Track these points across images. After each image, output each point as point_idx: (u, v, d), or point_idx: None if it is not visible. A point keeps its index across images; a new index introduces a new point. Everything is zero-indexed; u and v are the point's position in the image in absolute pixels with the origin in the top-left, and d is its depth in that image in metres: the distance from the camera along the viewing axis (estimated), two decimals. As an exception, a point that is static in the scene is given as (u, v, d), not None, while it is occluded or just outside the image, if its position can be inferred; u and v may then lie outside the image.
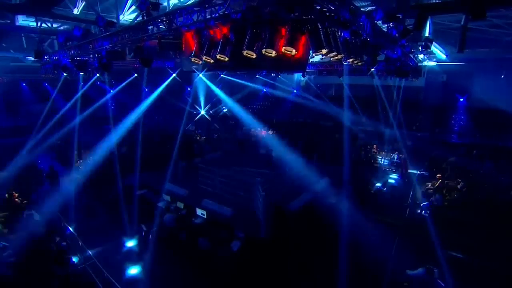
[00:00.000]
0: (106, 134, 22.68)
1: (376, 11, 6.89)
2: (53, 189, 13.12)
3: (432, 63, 18.35)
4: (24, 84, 23.40)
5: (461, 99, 18.27)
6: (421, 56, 15.20)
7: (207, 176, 11.32)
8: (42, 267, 7.27)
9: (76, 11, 13.88)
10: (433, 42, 12.78)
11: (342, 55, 4.58)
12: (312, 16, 3.69)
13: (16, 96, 22.59)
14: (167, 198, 11.32)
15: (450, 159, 14.28)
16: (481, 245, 8.55)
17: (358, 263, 8.17)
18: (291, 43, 3.88)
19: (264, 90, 29.53)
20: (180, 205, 10.89)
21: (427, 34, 10.59)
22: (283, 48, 3.90)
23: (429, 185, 12.72)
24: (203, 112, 25.73)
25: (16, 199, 10.90)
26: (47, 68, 11.45)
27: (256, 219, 8.98)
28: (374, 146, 17.01)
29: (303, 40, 9.26)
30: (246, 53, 4.06)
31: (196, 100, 27.83)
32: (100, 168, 15.37)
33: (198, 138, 20.56)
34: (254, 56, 4.10)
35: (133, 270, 8.35)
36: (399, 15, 7.73)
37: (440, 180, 12.42)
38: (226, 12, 4.02)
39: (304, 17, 3.70)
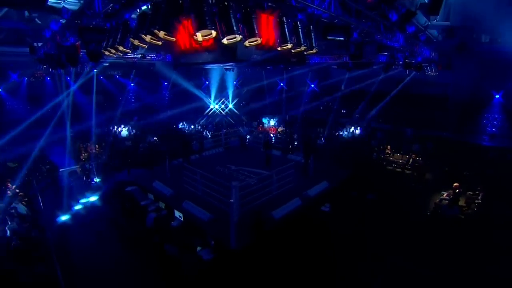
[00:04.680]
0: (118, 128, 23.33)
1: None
2: (52, 183, 13.40)
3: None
4: (48, 78, 24.56)
5: (497, 96, 15.85)
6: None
7: (191, 176, 10.74)
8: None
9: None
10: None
11: (258, 39, 3.52)
12: None
13: (40, 89, 23.76)
14: (151, 197, 10.97)
15: (473, 164, 12.37)
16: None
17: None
18: (166, 26, 2.97)
19: (281, 84, 28.45)
20: (162, 205, 10.47)
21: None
22: (161, 33, 3.03)
23: (445, 195, 11.08)
24: (212, 106, 25.37)
25: (9, 191, 11.14)
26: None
27: (229, 227, 8.23)
28: (388, 147, 15.35)
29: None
30: (137, 43, 3.29)
31: (210, 94, 27.58)
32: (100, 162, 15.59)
33: (204, 133, 20.12)
34: (144, 45, 3.32)
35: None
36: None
37: (457, 190, 10.73)
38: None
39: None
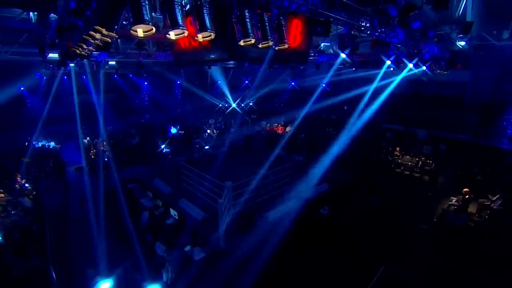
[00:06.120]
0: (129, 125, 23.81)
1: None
2: (58, 179, 13.79)
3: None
4: (65, 77, 25.36)
5: (519, 96, 14.78)
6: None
7: (189, 175, 10.72)
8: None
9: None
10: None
11: (212, 34, 3.25)
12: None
13: (57, 87, 24.49)
14: (150, 194, 11.05)
15: (487, 169, 11.56)
16: None
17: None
18: (105, 22, 2.77)
19: (292, 83, 28.06)
20: (159, 203, 10.52)
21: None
22: (103, 30, 2.86)
23: (454, 201, 10.42)
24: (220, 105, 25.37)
25: (17, 185, 11.53)
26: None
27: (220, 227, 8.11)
28: (397, 149, 14.69)
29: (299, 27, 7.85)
30: (92, 40, 3.14)
31: (223, 93, 27.55)
32: (107, 159, 15.91)
33: (209, 131, 20.13)
34: (99, 43, 3.18)
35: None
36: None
37: (467, 196, 10.06)
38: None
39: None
